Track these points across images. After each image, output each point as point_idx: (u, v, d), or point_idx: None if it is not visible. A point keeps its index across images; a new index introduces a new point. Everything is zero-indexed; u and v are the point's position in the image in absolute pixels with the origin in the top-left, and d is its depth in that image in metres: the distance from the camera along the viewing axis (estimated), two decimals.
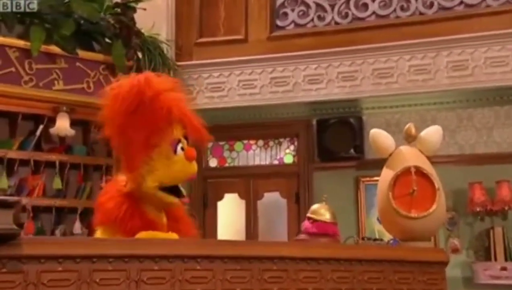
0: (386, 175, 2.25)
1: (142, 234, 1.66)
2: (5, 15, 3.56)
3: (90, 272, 1.43)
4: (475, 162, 4.35)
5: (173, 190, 1.73)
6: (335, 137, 4.56)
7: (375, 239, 2.65)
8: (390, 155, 2.30)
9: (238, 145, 5.02)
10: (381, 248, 2.17)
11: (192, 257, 1.60)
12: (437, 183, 2.21)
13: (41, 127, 3.75)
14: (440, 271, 2.11)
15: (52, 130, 3.72)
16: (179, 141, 1.72)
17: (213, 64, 4.58)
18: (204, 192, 4.93)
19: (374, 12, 4.42)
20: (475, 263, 4.20)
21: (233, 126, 4.84)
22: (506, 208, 4.12)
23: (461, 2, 4.23)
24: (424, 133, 2.32)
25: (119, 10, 4.05)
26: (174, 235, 1.75)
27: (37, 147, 3.82)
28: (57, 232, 3.82)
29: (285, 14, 4.62)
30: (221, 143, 5.05)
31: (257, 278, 1.69)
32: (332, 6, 4.50)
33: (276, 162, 4.95)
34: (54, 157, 3.78)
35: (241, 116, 4.78)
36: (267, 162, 4.95)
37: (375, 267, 1.94)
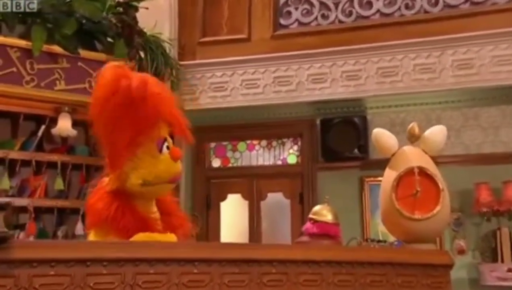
0: (389, 175, 2.21)
1: (139, 236, 1.63)
2: (6, 15, 3.54)
3: (83, 276, 1.39)
4: (481, 162, 4.31)
5: None
6: (339, 137, 4.53)
7: (379, 241, 2.61)
8: (393, 155, 2.26)
9: (241, 145, 5.00)
10: (384, 250, 2.13)
11: (189, 260, 1.56)
12: (441, 184, 2.16)
13: (43, 127, 3.74)
14: (444, 274, 2.06)
15: (54, 131, 3.71)
16: (165, 139, 1.70)
17: (216, 64, 4.55)
18: (207, 193, 4.91)
19: (378, 10, 4.39)
20: (481, 265, 4.16)
21: (236, 126, 4.83)
22: None
23: (467, 0, 4.18)
24: (428, 132, 2.28)
25: (121, 9, 4.03)
26: (171, 237, 1.73)
27: (39, 148, 3.80)
28: (59, 233, 3.80)
29: (289, 12, 4.58)
30: (224, 143, 5.03)
31: (256, 282, 1.65)
32: (336, 5, 4.47)
33: (279, 162, 4.92)
34: (56, 157, 3.76)
35: (244, 116, 4.76)
36: (271, 162, 4.92)
37: (377, 270, 1.90)
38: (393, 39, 4.23)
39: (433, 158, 2.29)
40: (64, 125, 3.68)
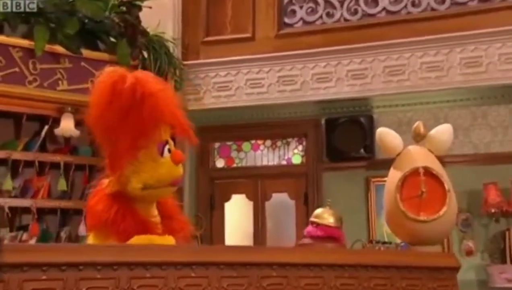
0: (394, 176, 2.17)
1: (136, 239, 1.60)
2: (8, 14, 3.53)
3: (76, 281, 1.36)
4: (490, 162, 4.24)
5: None
6: (344, 136, 4.48)
7: (384, 242, 2.57)
8: (398, 155, 2.21)
9: (245, 145, 4.96)
10: (388, 253, 2.08)
11: (186, 264, 1.52)
12: (448, 185, 2.11)
13: (45, 128, 3.72)
14: (451, 277, 2.00)
15: (57, 131, 3.69)
16: (166, 142, 1.67)
17: (220, 63, 4.51)
18: (211, 193, 4.87)
19: (384, 8, 4.33)
20: (490, 266, 4.10)
21: (240, 126, 4.79)
22: None
23: None
24: (433, 131, 2.23)
25: (124, 8, 4.00)
26: (170, 239, 1.69)
27: (42, 148, 3.79)
28: (63, 234, 3.79)
29: (293, 11, 4.53)
30: (229, 143, 4.99)
31: (255, 286, 1.61)
32: (341, 3, 4.42)
33: (284, 162, 4.87)
34: (59, 158, 3.74)
35: (249, 116, 4.72)
36: (275, 163, 4.87)
37: (381, 273, 1.85)
38: (400, 37, 4.17)
39: (439, 158, 2.24)
40: (67, 126, 3.66)
